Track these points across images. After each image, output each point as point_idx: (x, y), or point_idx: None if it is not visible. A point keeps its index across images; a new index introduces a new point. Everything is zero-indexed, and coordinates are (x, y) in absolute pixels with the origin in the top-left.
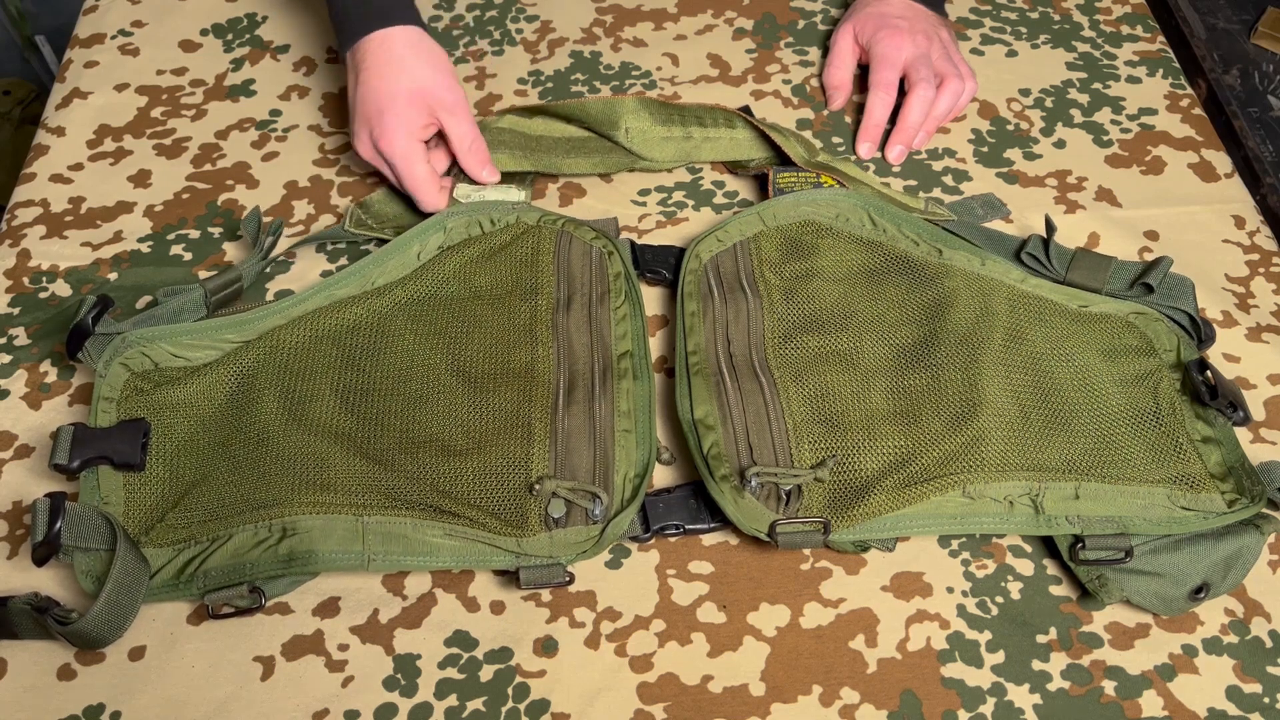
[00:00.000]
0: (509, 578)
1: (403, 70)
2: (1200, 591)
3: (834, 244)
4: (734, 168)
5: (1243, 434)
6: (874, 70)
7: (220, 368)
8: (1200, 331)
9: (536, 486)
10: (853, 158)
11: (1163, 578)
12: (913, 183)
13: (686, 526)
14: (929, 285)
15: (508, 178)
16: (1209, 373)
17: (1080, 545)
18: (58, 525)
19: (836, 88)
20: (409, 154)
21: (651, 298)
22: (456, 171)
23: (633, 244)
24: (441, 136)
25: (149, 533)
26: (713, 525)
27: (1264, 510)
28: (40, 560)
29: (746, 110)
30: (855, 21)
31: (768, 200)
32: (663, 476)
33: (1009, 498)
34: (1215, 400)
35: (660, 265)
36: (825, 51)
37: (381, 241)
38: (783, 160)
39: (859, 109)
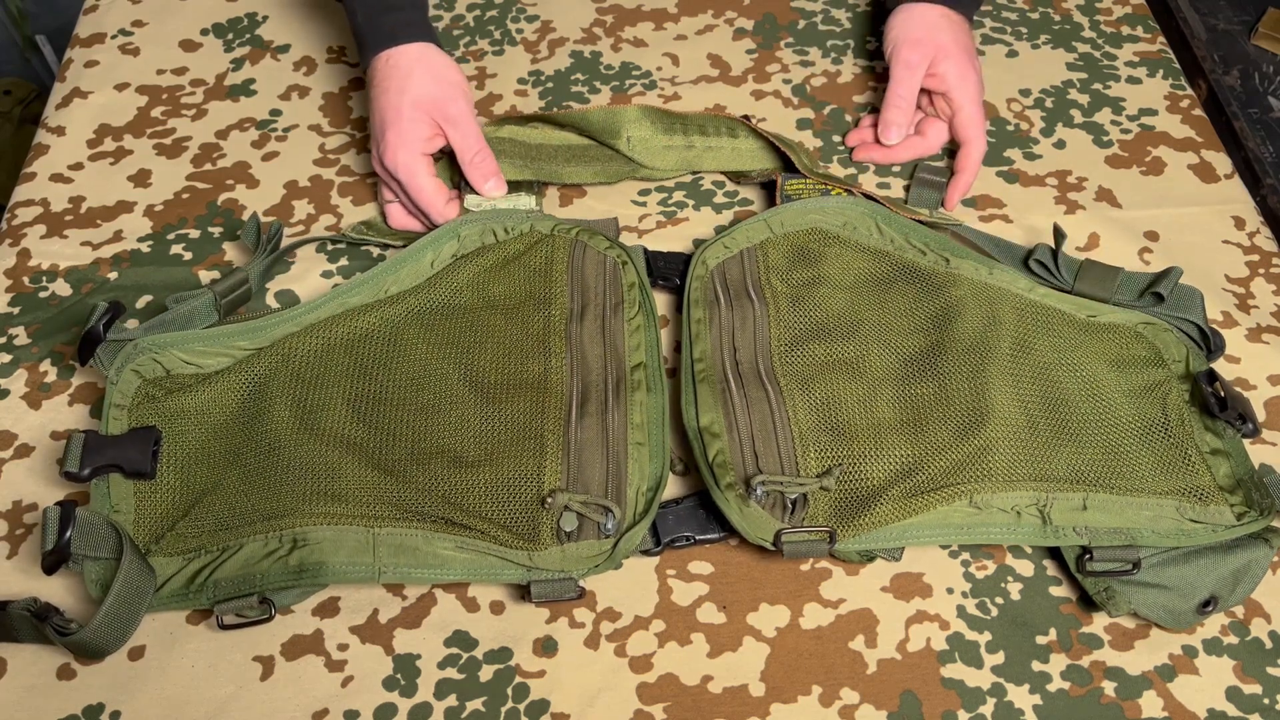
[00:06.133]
0: None
1: (405, 85)
2: (1208, 605)
3: (841, 252)
4: (736, 178)
5: None
6: (962, 124)
7: (232, 375)
8: (1209, 342)
9: (549, 499)
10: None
11: (1170, 590)
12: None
13: (696, 538)
14: (936, 294)
15: (514, 185)
16: (1218, 384)
17: (1088, 556)
18: (68, 534)
19: (897, 125)
20: (411, 167)
21: (658, 303)
22: (464, 182)
23: (646, 251)
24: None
25: (159, 541)
26: (721, 535)
27: (1272, 524)
28: (50, 568)
29: (745, 120)
30: (910, 48)
31: (775, 207)
32: (673, 484)
33: (1016, 508)
34: (1224, 412)
35: (672, 273)
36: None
37: (389, 248)
38: (788, 168)
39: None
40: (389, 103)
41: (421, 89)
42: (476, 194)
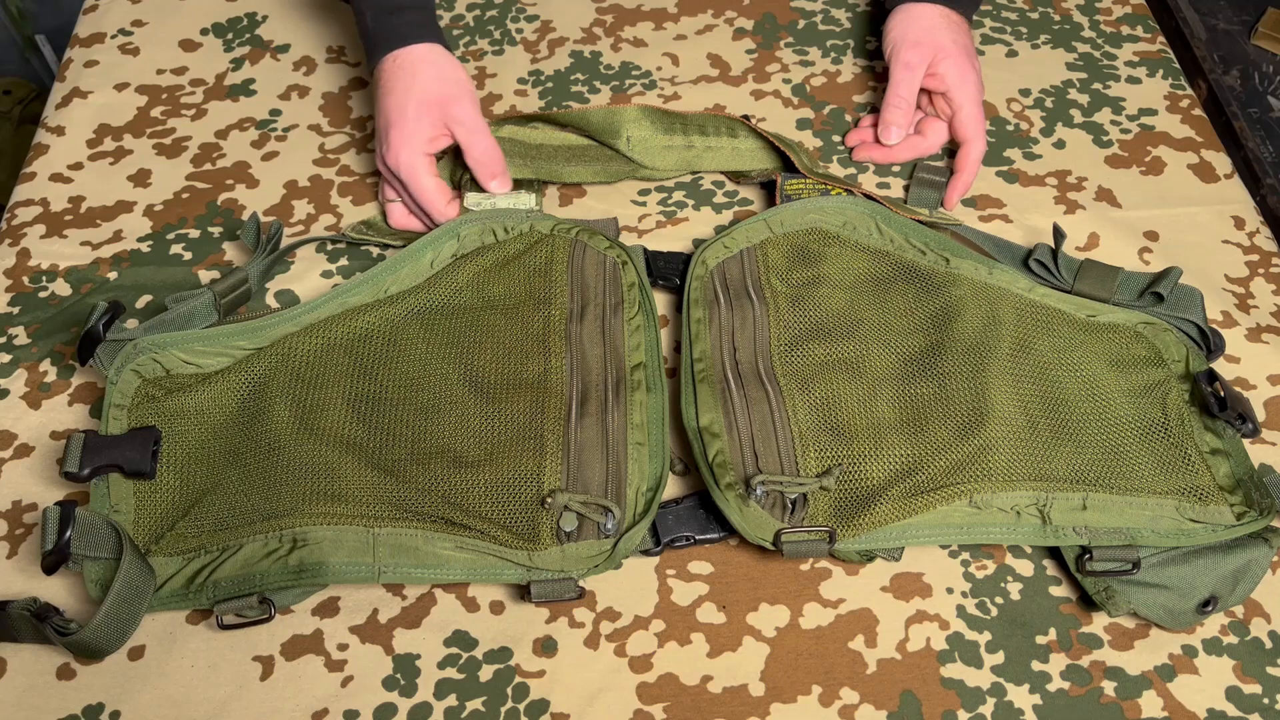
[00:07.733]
0: None
1: (411, 85)
2: (1208, 605)
3: (841, 252)
4: (736, 178)
5: None
6: (962, 124)
7: (232, 375)
8: (1209, 342)
9: (548, 499)
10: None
11: (1170, 590)
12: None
13: (696, 538)
14: (936, 294)
15: (515, 183)
16: (1218, 384)
17: (1088, 556)
18: (67, 534)
19: (896, 125)
20: (413, 167)
21: (658, 303)
22: (466, 180)
23: (646, 251)
24: (457, 151)
25: (159, 541)
26: (721, 535)
27: (1272, 524)
28: (50, 569)
29: (745, 119)
30: (910, 49)
31: (775, 207)
32: (673, 484)
33: (1016, 508)
34: (1224, 412)
35: (672, 273)
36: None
37: (389, 248)
38: (787, 169)
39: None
40: (394, 102)
41: (428, 89)
42: (476, 193)
